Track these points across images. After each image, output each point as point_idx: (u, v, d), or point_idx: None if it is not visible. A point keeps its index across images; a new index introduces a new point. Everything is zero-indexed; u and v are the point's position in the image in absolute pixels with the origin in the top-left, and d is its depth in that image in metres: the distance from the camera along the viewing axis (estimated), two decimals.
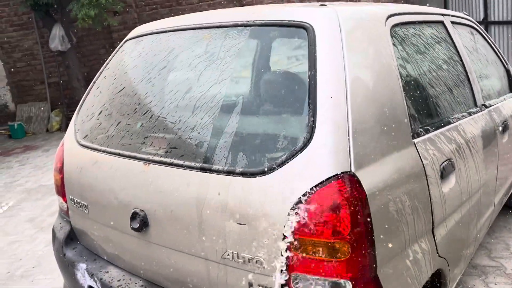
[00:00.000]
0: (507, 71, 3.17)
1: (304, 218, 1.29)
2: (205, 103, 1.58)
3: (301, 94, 1.40)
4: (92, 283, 1.86)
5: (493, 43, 3.09)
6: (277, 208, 1.33)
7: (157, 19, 8.56)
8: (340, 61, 1.44)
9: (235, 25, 1.65)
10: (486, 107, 2.47)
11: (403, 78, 1.70)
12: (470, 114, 2.22)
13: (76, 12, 7.50)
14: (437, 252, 1.71)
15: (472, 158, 2.06)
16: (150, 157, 1.66)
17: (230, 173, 1.42)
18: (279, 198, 1.33)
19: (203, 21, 1.80)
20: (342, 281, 1.29)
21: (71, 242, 2.10)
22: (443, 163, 1.76)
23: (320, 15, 1.53)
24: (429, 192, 1.64)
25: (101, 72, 2.17)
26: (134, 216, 1.66)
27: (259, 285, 1.39)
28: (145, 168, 1.65)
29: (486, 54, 2.90)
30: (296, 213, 1.30)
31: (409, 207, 1.51)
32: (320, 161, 1.32)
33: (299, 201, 1.30)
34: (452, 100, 2.12)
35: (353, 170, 1.32)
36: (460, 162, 1.92)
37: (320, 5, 1.65)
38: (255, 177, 1.37)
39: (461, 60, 2.34)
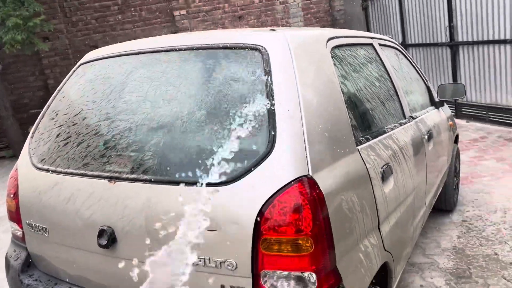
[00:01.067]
0: (427, 87, 3.57)
1: (270, 219, 1.43)
2: (168, 121, 1.68)
3: (261, 109, 1.55)
4: None
5: (414, 63, 3.48)
6: (245, 212, 1.45)
7: (89, 45, 8.41)
8: (292, 78, 1.61)
9: (193, 48, 1.78)
10: (413, 118, 2.78)
11: (344, 93, 1.91)
12: (400, 124, 2.50)
13: (1, 36, 7.20)
14: (384, 246, 1.91)
15: (405, 163, 2.33)
16: (115, 174, 1.71)
17: (199, 184, 1.52)
18: (247, 203, 1.46)
19: (159, 45, 1.91)
20: (307, 273, 1.43)
21: (28, 269, 2.06)
22: (383, 166, 1.99)
23: (272, 38, 1.71)
24: (374, 193, 1.85)
25: (55, 96, 2.18)
26: (101, 233, 1.70)
27: (230, 286, 1.50)
28: (111, 186, 1.70)
29: (409, 72, 3.26)
30: (263, 215, 1.43)
31: (359, 206, 1.70)
32: (281, 167, 1.47)
33: (265, 204, 1.44)
34: (385, 113, 2.39)
35: (310, 173, 1.49)
36: (396, 166, 2.17)
37: (270, 30, 1.83)
38: (223, 185, 1.49)
39: (390, 77, 2.64)
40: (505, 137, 6.24)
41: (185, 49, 1.80)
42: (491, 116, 6.73)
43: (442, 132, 3.45)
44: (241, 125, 1.54)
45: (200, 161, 1.54)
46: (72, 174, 1.85)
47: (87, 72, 2.14)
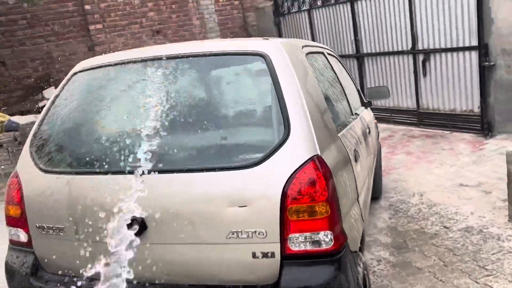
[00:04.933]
0: (358, 89, 4.15)
1: (294, 192, 1.74)
2: (196, 118, 1.90)
3: (274, 104, 1.86)
4: None
5: (347, 70, 4.04)
6: (272, 188, 1.74)
7: None
8: (292, 77, 1.95)
9: (203, 55, 2.03)
10: (357, 115, 3.28)
11: (321, 90, 2.30)
12: (353, 119, 2.97)
13: None
14: (362, 216, 2.32)
15: (362, 149, 2.79)
16: (143, 168, 1.88)
17: (229, 168, 1.78)
18: (272, 181, 1.75)
19: (166, 52, 2.11)
20: (325, 232, 1.76)
21: (36, 273, 2.10)
22: (354, 150, 2.41)
23: (271, 45, 2.04)
24: (353, 171, 2.25)
25: (51, 104, 2.25)
26: (131, 223, 1.85)
27: (261, 252, 1.77)
28: (139, 179, 1.87)
29: (346, 77, 3.79)
30: (288, 190, 1.74)
31: (347, 180, 2.09)
32: (297, 149, 1.79)
33: (288, 180, 1.74)
34: (343, 108, 2.84)
35: (319, 153, 1.83)
36: (359, 151, 2.61)
37: (263, 39, 2.16)
38: (251, 168, 1.76)
39: (339, 80, 3.11)
40: (408, 135, 7.22)
41: (195, 56, 2.04)
42: (394, 117, 7.71)
43: (373, 128, 4.03)
44: (260, 118, 1.84)
45: (229, 150, 1.80)
46: (90, 173, 1.97)
47: (84, 78, 2.25)
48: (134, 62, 2.16)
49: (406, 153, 6.33)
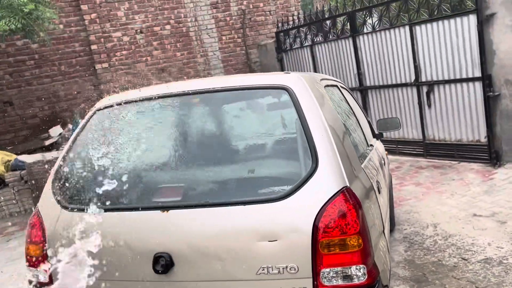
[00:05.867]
0: (369, 122, 4.17)
1: (325, 225, 1.71)
2: (222, 151, 1.90)
3: (300, 136, 1.87)
4: None
5: (358, 102, 4.07)
6: (302, 222, 1.72)
7: (3, 100, 8.19)
8: (316, 108, 1.96)
9: (228, 90, 2.05)
10: (372, 146, 3.29)
11: (342, 122, 2.31)
12: (370, 150, 2.97)
13: None
14: (388, 249, 2.28)
15: (381, 180, 2.77)
16: (168, 203, 1.86)
17: (257, 202, 1.76)
18: (303, 214, 1.73)
19: (190, 88, 2.13)
20: (358, 266, 1.72)
21: None
22: (376, 181, 2.40)
23: (293, 79, 2.06)
24: (378, 202, 2.23)
25: (73, 141, 2.25)
26: (157, 260, 1.81)
27: None
28: (165, 215, 1.85)
29: (358, 109, 3.82)
30: (319, 222, 1.71)
31: (374, 212, 2.06)
32: (326, 181, 1.78)
33: (319, 213, 1.72)
34: (360, 140, 2.84)
35: (348, 184, 1.82)
36: (380, 182, 2.59)
37: (285, 73, 2.19)
38: (280, 200, 1.74)
39: (354, 112, 3.13)
40: (415, 166, 7.20)
41: (221, 90, 2.06)
42: (400, 148, 7.71)
43: (385, 159, 4.03)
44: (285, 150, 1.83)
45: (256, 183, 1.79)
46: (114, 210, 1.95)
47: (108, 116, 2.26)
48: (159, 98, 2.18)
49: (415, 184, 6.29)
